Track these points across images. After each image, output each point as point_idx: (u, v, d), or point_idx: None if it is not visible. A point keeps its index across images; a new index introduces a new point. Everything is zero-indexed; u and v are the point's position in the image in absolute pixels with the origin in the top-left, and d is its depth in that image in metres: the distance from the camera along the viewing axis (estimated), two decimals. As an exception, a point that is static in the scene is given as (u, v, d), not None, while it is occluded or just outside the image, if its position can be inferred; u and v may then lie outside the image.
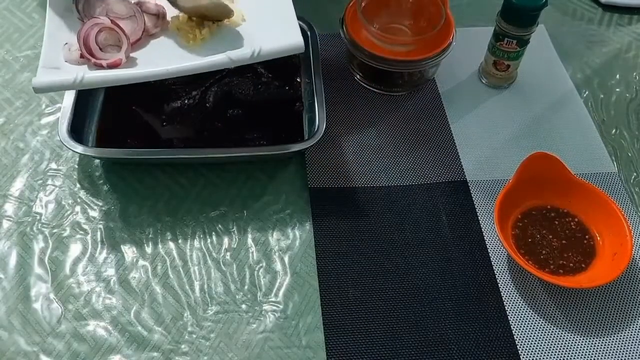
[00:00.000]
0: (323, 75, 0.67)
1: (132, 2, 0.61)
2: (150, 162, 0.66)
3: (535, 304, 0.57)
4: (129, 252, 0.59)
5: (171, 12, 0.62)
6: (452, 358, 0.53)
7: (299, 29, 0.58)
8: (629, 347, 0.54)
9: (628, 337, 0.55)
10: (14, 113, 0.69)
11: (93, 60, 0.57)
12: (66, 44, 0.59)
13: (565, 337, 0.55)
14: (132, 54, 0.59)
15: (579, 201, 0.60)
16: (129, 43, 0.59)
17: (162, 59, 0.59)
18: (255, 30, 0.61)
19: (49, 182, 0.64)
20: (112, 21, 0.59)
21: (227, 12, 0.60)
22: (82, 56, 0.58)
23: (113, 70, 0.57)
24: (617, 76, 0.77)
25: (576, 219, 0.60)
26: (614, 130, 0.71)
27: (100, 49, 0.58)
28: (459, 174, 0.66)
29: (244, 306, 0.56)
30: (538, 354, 0.54)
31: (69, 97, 0.63)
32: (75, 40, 0.58)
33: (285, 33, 0.58)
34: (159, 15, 0.62)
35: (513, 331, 0.55)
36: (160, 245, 0.60)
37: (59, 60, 0.58)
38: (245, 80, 0.69)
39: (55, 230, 0.60)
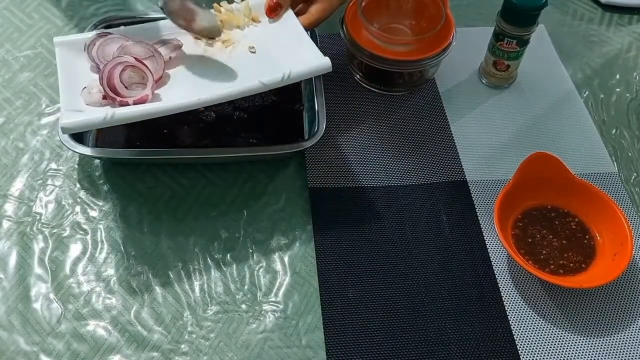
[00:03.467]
0: (323, 75, 0.66)
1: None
2: (150, 162, 0.66)
3: (535, 304, 0.57)
4: (129, 252, 0.59)
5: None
6: (452, 358, 0.53)
7: (319, 50, 0.58)
8: (629, 347, 0.54)
9: (628, 337, 0.55)
10: (14, 113, 0.70)
11: (119, 99, 0.55)
12: (85, 88, 0.57)
13: (565, 337, 0.55)
14: (156, 91, 0.58)
15: (579, 201, 0.60)
16: (154, 79, 0.57)
17: (187, 90, 0.57)
18: (278, 55, 0.61)
19: (49, 182, 0.64)
20: (136, 58, 0.57)
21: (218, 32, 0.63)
22: (105, 97, 0.56)
23: (144, 104, 0.55)
24: (617, 76, 0.77)
25: (576, 219, 0.60)
26: (614, 130, 0.71)
27: (125, 87, 0.56)
28: (459, 174, 0.66)
29: (244, 306, 0.56)
30: (538, 354, 0.54)
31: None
32: (93, 83, 0.57)
33: (309, 55, 0.58)
34: (174, 46, 0.61)
35: (513, 331, 0.55)
36: (160, 245, 0.60)
37: (80, 104, 0.56)
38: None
39: (55, 230, 0.60)
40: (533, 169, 0.60)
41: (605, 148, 0.68)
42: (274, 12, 0.63)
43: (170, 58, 0.61)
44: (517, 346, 0.54)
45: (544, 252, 0.58)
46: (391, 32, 0.70)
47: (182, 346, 0.54)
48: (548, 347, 0.54)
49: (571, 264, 0.58)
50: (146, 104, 0.56)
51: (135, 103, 0.55)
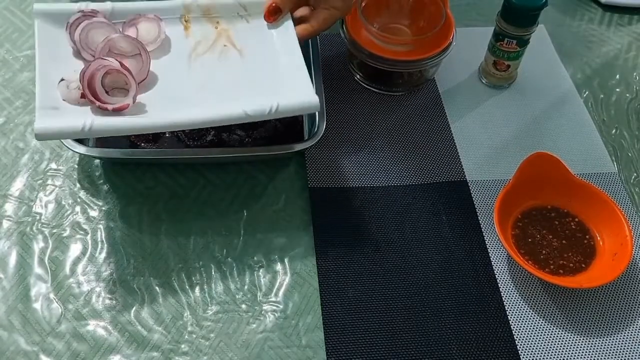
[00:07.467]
0: (323, 75, 0.66)
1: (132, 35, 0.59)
2: (150, 162, 0.66)
3: (535, 304, 0.57)
4: (129, 252, 0.59)
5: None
6: (452, 358, 0.53)
7: (312, 86, 0.57)
8: (629, 347, 0.54)
9: (628, 337, 0.55)
10: (14, 113, 0.70)
11: (98, 103, 0.53)
12: (62, 80, 0.54)
13: (565, 337, 0.55)
14: (139, 95, 0.56)
15: (579, 201, 0.60)
16: (137, 87, 0.56)
17: (171, 102, 0.56)
18: (268, 79, 0.59)
19: (49, 182, 0.64)
20: (121, 64, 0.55)
21: None
22: (83, 96, 0.54)
23: (124, 117, 0.53)
24: (617, 76, 0.77)
25: (576, 219, 0.60)
26: (614, 130, 0.71)
27: (106, 92, 0.54)
28: (459, 174, 0.66)
29: (243, 306, 0.56)
30: (538, 354, 0.54)
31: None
32: (71, 75, 0.54)
33: (300, 90, 0.56)
34: (158, 30, 0.60)
35: (513, 331, 0.55)
36: (160, 245, 0.60)
37: (57, 100, 0.53)
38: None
39: (55, 230, 0.60)
40: (533, 169, 0.60)
41: (605, 148, 0.68)
42: (273, 16, 0.61)
43: (155, 47, 0.59)
44: (517, 346, 0.54)
45: (544, 252, 0.58)
46: (391, 32, 0.70)
47: (182, 346, 0.54)
48: (548, 347, 0.54)
49: (571, 264, 0.58)
50: (126, 117, 0.54)
51: (114, 110, 0.54)
